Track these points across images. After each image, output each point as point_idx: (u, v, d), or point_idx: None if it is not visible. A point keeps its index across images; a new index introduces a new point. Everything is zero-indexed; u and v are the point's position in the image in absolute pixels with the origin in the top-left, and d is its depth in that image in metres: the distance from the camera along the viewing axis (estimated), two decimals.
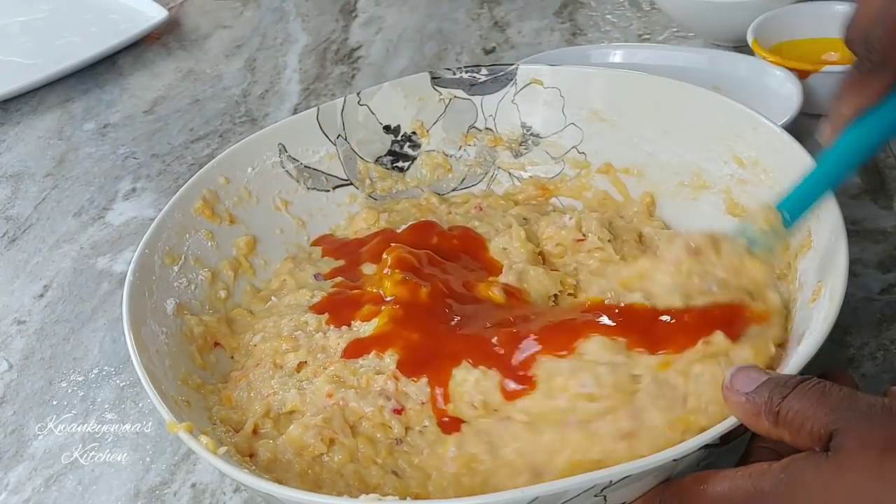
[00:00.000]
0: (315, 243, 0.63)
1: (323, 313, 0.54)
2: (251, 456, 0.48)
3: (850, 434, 0.35)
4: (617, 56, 0.81)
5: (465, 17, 1.03)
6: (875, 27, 0.42)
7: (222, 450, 0.43)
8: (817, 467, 0.36)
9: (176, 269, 0.56)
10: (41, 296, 0.70)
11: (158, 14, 1.05)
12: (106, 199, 0.81)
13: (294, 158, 0.64)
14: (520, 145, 0.66)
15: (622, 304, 0.47)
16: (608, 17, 0.98)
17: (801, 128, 0.72)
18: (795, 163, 0.53)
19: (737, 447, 0.43)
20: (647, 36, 0.94)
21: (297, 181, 0.64)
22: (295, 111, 0.90)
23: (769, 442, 0.41)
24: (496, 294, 0.54)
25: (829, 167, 0.46)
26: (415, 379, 0.48)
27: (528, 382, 0.46)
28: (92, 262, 0.73)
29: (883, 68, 0.43)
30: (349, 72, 0.96)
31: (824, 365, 0.42)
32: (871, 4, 0.43)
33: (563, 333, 0.47)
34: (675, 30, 0.93)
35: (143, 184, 0.82)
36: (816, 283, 0.48)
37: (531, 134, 0.66)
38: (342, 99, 0.65)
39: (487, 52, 0.96)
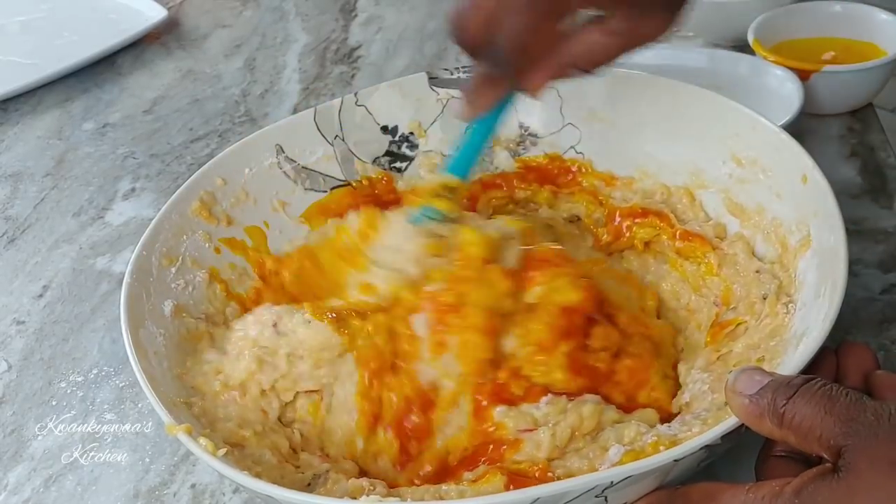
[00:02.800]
0: None
1: None
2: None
3: (859, 452, 0.35)
4: None
5: None
6: (497, 36, 0.45)
7: (221, 451, 0.43)
8: (830, 490, 0.35)
9: (173, 270, 0.56)
10: (40, 296, 0.70)
11: (158, 14, 1.05)
12: (105, 199, 0.81)
13: (291, 159, 0.63)
14: (517, 145, 0.66)
15: None
16: None
17: (802, 127, 0.72)
18: (794, 162, 0.53)
19: (737, 446, 0.43)
20: None
21: (295, 182, 0.64)
22: (295, 111, 0.90)
23: (781, 447, 0.41)
24: None
25: (478, 137, 0.54)
26: None
27: None
28: (91, 262, 0.73)
29: (509, 72, 0.48)
30: (349, 72, 0.96)
31: (839, 339, 0.42)
32: (482, 8, 0.45)
33: None
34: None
35: (142, 184, 0.82)
36: (816, 283, 0.48)
37: (529, 134, 0.66)
38: (339, 99, 0.65)
39: None
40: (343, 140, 0.65)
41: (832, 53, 0.78)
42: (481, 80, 0.49)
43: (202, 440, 0.43)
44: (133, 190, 0.82)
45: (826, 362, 0.44)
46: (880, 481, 0.35)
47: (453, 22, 0.46)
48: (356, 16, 1.07)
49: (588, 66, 0.48)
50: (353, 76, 0.95)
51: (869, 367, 0.44)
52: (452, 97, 0.66)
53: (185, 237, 0.57)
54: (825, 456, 0.37)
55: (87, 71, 0.99)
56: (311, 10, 1.09)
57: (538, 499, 0.37)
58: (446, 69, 0.67)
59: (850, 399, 0.37)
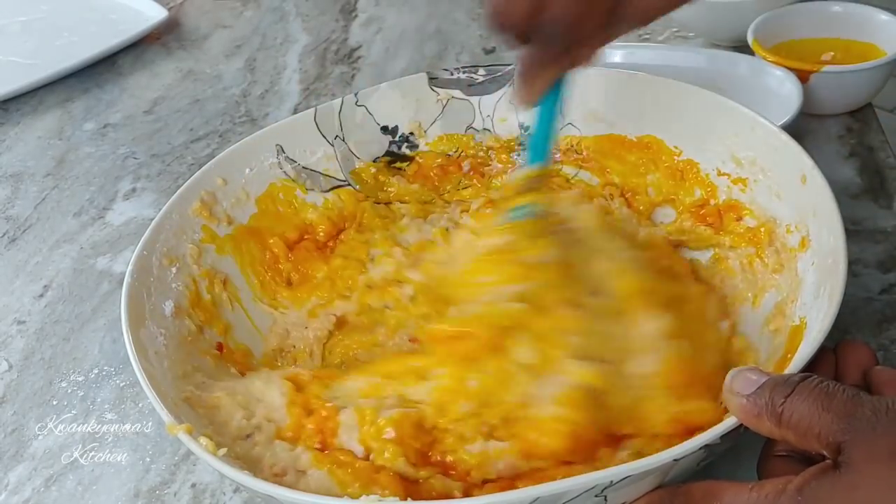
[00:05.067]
0: None
1: None
2: None
3: (858, 447, 0.35)
4: (617, 56, 0.81)
5: (465, 17, 1.03)
6: (548, 14, 0.44)
7: (222, 451, 0.43)
8: (832, 486, 0.36)
9: (174, 270, 0.56)
10: (41, 296, 0.70)
11: (158, 14, 1.05)
12: (106, 199, 0.81)
13: (292, 159, 0.64)
14: (518, 145, 0.66)
15: None
16: None
17: (801, 128, 0.72)
18: (794, 162, 0.53)
19: (737, 446, 0.43)
20: (647, 36, 0.93)
21: (295, 182, 0.64)
22: (295, 111, 0.90)
23: (783, 447, 0.41)
24: None
25: (546, 119, 0.52)
26: None
27: None
28: (92, 262, 0.73)
29: (564, 47, 0.46)
30: (349, 72, 0.96)
31: (838, 339, 0.42)
32: None
33: None
34: (675, 30, 0.93)
35: (143, 184, 0.82)
36: (816, 283, 0.48)
37: (529, 134, 0.66)
38: (340, 100, 0.65)
39: (487, 52, 0.96)
40: (343, 140, 0.65)
41: (832, 54, 0.78)
42: (534, 62, 0.47)
43: (202, 440, 0.43)
44: (134, 190, 0.82)
45: (825, 361, 0.44)
46: (881, 473, 0.35)
47: (496, 8, 0.44)
48: (356, 16, 1.07)
49: (644, 22, 0.47)
50: (353, 76, 0.95)
51: (867, 365, 0.44)
52: (452, 97, 0.66)
53: (185, 237, 0.58)
54: (825, 453, 0.37)
55: (88, 71, 0.99)
56: (311, 10, 1.10)
57: (538, 498, 0.37)
58: (446, 69, 0.67)
59: (848, 395, 0.37)
